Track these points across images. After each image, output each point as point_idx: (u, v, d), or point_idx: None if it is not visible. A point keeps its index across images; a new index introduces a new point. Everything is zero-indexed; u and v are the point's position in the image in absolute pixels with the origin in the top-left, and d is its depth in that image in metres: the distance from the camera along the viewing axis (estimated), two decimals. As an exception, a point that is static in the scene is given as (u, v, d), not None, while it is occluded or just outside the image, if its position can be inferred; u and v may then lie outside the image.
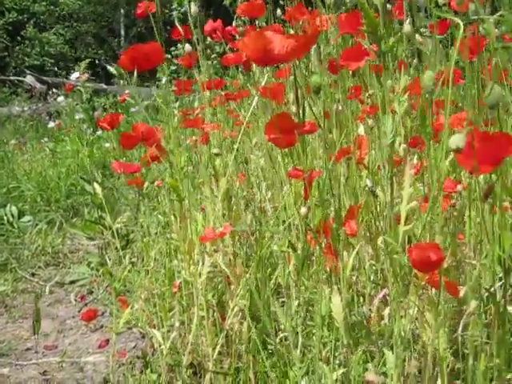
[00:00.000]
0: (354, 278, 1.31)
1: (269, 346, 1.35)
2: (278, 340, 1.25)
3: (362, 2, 0.88)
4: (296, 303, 1.26)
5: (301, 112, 1.12)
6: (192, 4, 1.23)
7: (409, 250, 0.76)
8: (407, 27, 0.99)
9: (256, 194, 1.79)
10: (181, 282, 1.43)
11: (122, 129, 4.44)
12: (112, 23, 14.38)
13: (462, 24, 0.72)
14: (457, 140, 0.63)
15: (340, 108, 1.63)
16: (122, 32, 13.22)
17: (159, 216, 1.74)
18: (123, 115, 1.87)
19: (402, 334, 0.92)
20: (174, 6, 7.13)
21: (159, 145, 1.40)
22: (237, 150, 1.55)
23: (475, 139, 0.67)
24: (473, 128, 0.66)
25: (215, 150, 1.22)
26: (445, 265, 0.78)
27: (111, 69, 1.48)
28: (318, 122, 1.29)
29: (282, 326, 1.35)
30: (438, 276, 0.83)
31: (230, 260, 1.45)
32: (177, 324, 1.46)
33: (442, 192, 0.89)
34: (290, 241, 1.26)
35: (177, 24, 1.65)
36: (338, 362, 1.07)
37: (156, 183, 1.50)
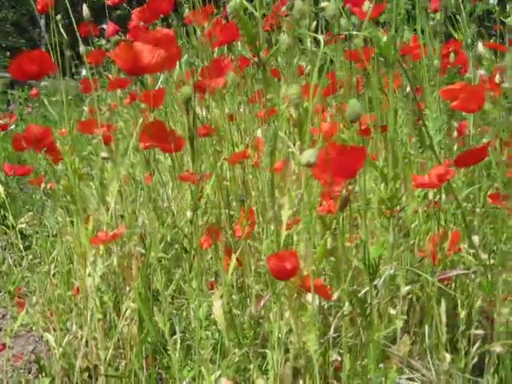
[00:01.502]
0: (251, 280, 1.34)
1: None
2: (172, 342, 1.26)
3: (239, 15, 0.90)
4: (194, 305, 1.28)
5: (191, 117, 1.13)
6: (84, 6, 1.22)
7: (267, 258, 0.79)
8: (285, 38, 1.02)
9: (162, 195, 1.79)
10: (79, 285, 1.42)
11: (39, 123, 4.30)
12: (33, 12, 13.89)
13: (322, 41, 0.76)
14: (308, 156, 0.66)
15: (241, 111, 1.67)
16: (43, 21, 12.79)
17: (59, 218, 1.71)
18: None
19: (280, 335, 0.95)
20: None
21: (53, 147, 1.38)
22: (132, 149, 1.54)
23: (331, 153, 0.70)
24: (327, 143, 0.69)
25: (104, 154, 1.21)
26: (304, 272, 0.82)
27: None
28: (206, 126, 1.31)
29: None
30: (309, 280, 0.86)
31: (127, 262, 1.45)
32: (74, 327, 1.44)
33: (316, 198, 0.93)
34: (182, 243, 1.28)
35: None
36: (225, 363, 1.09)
37: (49, 185, 1.48)
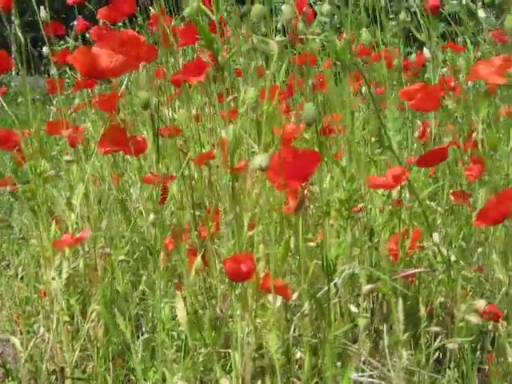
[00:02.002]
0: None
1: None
2: (137, 344, 1.26)
3: (195, 19, 0.90)
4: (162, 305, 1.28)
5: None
6: (42, 8, 1.22)
7: (224, 261, 0.80)
8: (255, 40, 1.02)
9: (130, 196, 1.78)
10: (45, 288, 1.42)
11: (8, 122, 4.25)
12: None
13: (276, 45, 0.76)
14: (260, 160, 0.67)
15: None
16: (12, 18, 12.62)
17: (25, 220, 1.70)
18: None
19: (241, 335, 0.96)
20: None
21: (19, 149, 1.37)
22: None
23: (285, 156, 0.71)
24: (280, 147, 0.70)
25: (67, 157, 1.21)
26: (261, 274, 0.83)
27: None
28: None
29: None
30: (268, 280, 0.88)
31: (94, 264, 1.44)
32: (41, 330, 1.44)
33: (278, 199, 0.94)
34: (147, 246, 1.28)
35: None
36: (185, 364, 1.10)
37: (13, 187, 1.47)
